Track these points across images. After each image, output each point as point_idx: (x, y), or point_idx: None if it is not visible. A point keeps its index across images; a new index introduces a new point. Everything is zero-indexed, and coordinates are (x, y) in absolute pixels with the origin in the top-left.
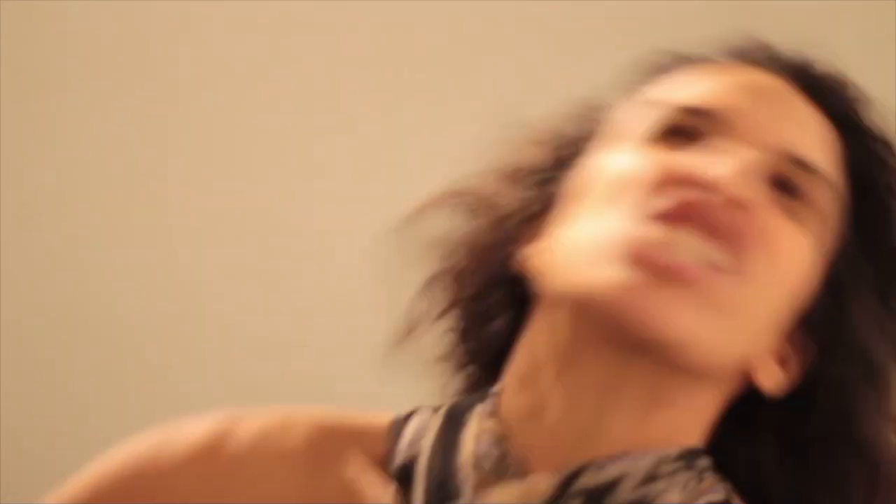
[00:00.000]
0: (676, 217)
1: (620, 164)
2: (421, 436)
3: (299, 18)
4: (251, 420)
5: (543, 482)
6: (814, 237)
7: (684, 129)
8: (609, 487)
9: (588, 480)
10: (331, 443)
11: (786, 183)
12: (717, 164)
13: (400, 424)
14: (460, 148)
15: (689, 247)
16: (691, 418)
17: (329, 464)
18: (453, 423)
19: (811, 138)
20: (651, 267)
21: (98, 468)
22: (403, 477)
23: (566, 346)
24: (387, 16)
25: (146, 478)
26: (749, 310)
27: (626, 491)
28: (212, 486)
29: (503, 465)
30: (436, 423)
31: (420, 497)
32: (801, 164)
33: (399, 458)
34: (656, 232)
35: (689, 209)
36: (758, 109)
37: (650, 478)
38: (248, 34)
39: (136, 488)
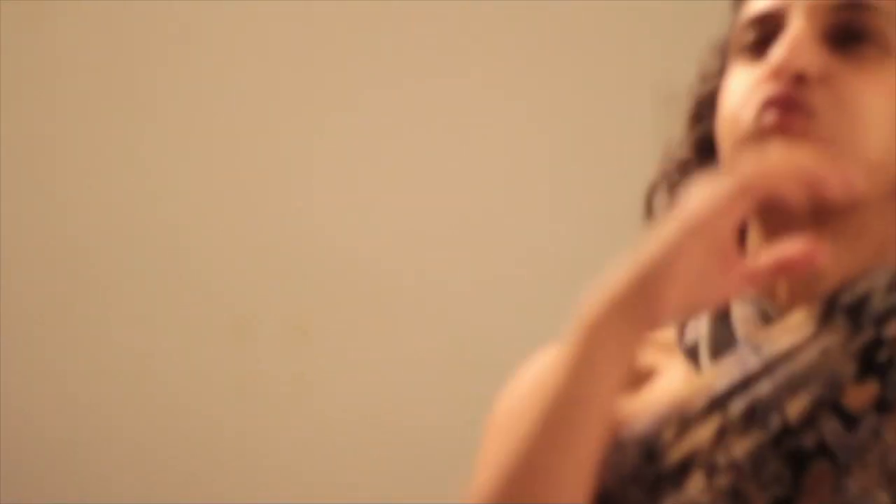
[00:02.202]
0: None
1: (730, 88)
2: (699, 325)
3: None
4: None
5: (811, 312)
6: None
7: (765, 37)
8: (863, 301)
9: (845, 299)
10: None
11: (849, 29)
12: (774, 53)
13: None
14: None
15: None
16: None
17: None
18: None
19: None
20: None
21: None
22: (692, 354)
23: (762, 221)
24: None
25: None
26: (852, 147)
27: (877, 301)
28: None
29: (767, 316)
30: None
31: (706, 358)
32: (850, 6)
33: (687, 341)
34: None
35: (769, 105)
36: None
37: (892, 287)
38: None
39: None
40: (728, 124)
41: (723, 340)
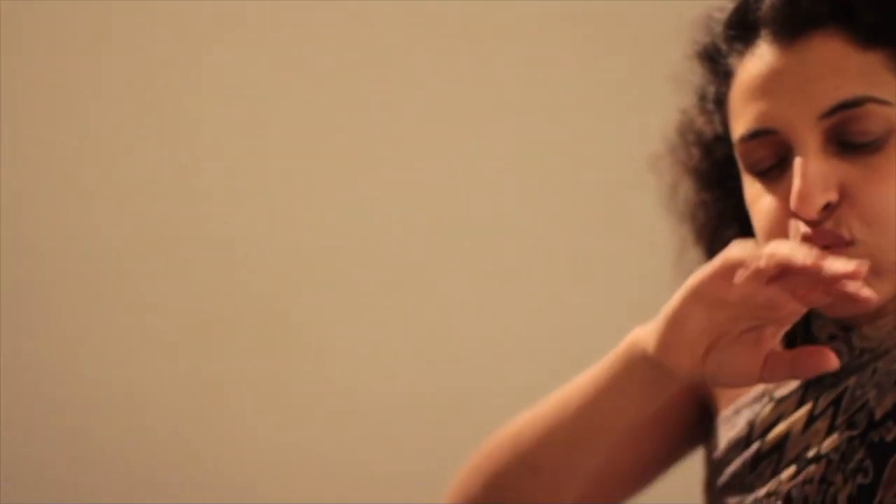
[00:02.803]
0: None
1: (755, 200)
2: None
3: None
4: None
5: None
6: None
7: (763, 154)
8: None
9: None
10: None
11: (850, 129)
12: (793, 196)
13: None
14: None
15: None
16: None
17: None
18: None
19: (836, 77)
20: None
21: None
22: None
23: None
24: None
25: None
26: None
27: None
28: None
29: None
30: None
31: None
32: (842, 108)
33: None
34: None
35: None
36: (786, 98)
37: None
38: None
39: None
40: None
41: (818, 323)
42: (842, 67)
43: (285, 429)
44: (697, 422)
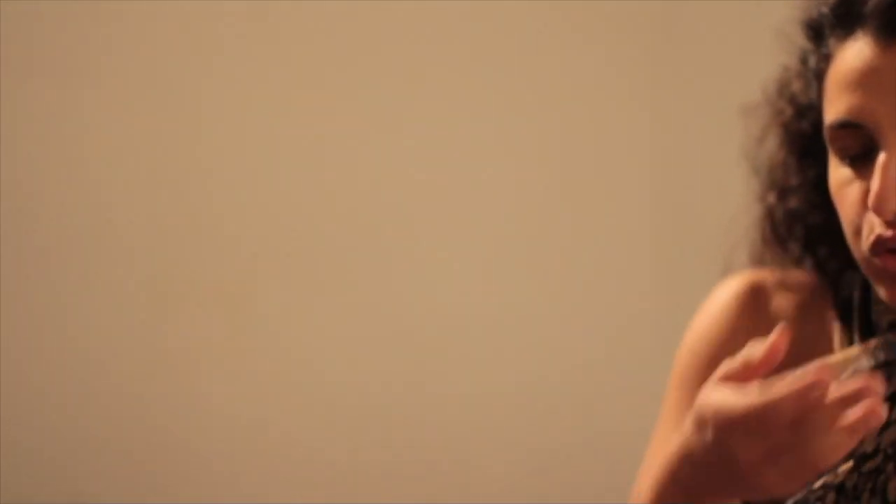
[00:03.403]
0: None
1: (841, 187)
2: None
3: None
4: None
5: None
6: None
7: (851, 142)
8: None
9: None
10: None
11: None
12: (871, 195)
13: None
14: None
15: None
16: None
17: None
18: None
19: None
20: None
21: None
22: (845, 308)
23: None
24: None
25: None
26: None
27: None
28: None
29: None
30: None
31: (856, 322)
32: None
33: (842, 295)
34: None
35: (878, 246)
36: (880, 97)
37: None
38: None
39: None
40: (848, 237)
41: (862, 313)
42: None
43: (245, 401)
44: None
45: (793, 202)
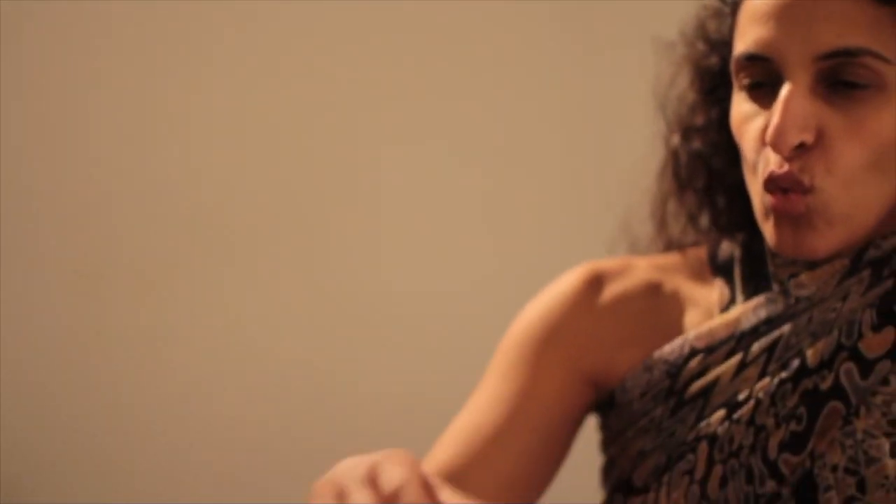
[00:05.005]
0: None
1: (742, 122)
2: (731, 251)
3: None
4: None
5: (841, 261)
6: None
7: (757, 74)
8: (887, 257)
9: (871, 254)
10: (664, 272)
11: (841, 76)
12: (770, 129)
13: (714, 247)
14: None
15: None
16: None
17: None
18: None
19: (843, 23)
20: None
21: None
22: (725, 272)
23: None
24: None
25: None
26: (849, 212)
27: None
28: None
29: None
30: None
31: (739, 283)
32: (840, 55)
33: (720, 259)
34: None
35: (770, 183)
36: (789, 31)
37: None
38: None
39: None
40: (746, 176)
41: (755, 269)
42: (851, 15)
43: (169, 377)
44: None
45: (696, 143)
